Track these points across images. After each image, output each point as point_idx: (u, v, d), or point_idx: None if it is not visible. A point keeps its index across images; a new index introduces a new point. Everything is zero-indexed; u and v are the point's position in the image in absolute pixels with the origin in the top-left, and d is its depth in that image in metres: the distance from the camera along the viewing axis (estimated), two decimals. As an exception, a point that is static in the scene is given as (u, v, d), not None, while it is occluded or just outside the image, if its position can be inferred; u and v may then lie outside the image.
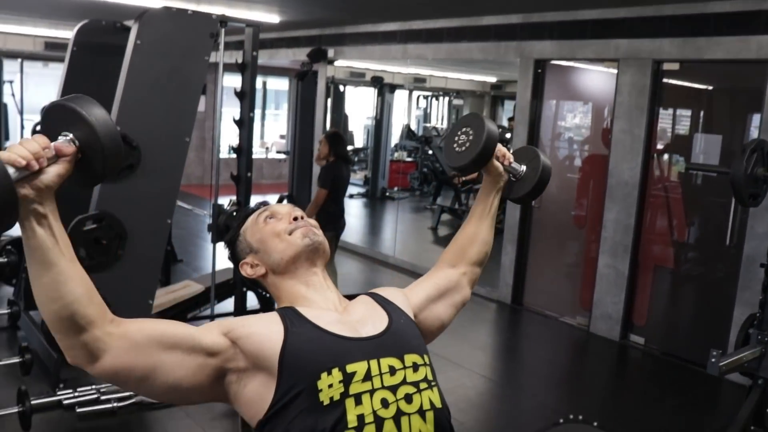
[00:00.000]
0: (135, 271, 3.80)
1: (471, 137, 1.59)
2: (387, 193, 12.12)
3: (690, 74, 5.34)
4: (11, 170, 1.02)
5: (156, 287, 4.02)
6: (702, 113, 5.49)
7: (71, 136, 1.11)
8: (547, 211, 6.13)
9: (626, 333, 5.47)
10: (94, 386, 3.78)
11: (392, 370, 1.26)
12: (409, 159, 13.41)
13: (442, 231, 9.76)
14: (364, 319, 1.36)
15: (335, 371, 1.22)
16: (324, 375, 1.21)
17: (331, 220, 5.42)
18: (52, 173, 1.08)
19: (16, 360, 3.48)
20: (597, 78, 5.98)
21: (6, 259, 3.55)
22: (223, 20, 4.24)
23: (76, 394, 3.71)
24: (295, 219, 1.46)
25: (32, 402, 3.35)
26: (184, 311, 4.67)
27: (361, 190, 12.58)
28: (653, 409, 4.34)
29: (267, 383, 1.24)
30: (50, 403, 3.63)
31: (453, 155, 1.63)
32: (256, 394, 1.25)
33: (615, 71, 5.44)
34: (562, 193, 6.14)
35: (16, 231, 4.96)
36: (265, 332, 1.28)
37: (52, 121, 1.13)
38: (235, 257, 1.52)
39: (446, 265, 1.64)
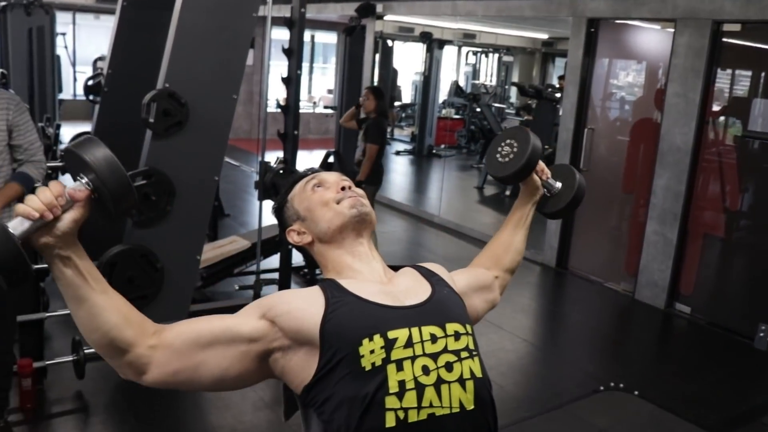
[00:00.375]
0: (183, 226, 3.86)
1: (515, 150, 1.66)
2: (433, 151, 12.04)
3: (752, 35, 5.14)
4: (27, 223, 1.09)
5: (203, 243, 4.09)
6: (763, 76, 5.28)
7: (86, 179, 1.15)
8: (595, 175, 6.02)
9: (672, 301, 5.39)
10: (143, 337, 3.89)
11: (433, 338, 1.27)
12: (456, 116, 13.28)
13: (488, 191, 9.70)
14: (408, 290, 1.37)
15: (377, 337, 1.23)
16: (365, 341, 1.22)
17: (377, 174, 5.45)
18: (68, 220, 1.13)
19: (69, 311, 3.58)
20: (652, 38, 5.80)
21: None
22: (272, -24, 4.20)
23: (126, 344, 3.83)
24: (343, 189, 1.45)
25: (85, 351, 3.47)
26: (230, 266, 4.76)
27: (408, 147, 12.53)
28: (696, 380, 4.30)
29: (311, 354, 1.25)
30: (101, 352, 3.76)
31: (496, 165, 1.70)
32: (301, 365, 1.26)
33: (671, 31, 5.26)
34: (612, 157, 6.02)
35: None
36: (305, 306, 1.29)
37: (70, 165, 1.18)
38: (282, 224, 1.52)
39: (481, 267, 1.70)
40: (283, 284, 4.80)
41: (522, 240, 1.75)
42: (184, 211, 3.85)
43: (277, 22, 4.78)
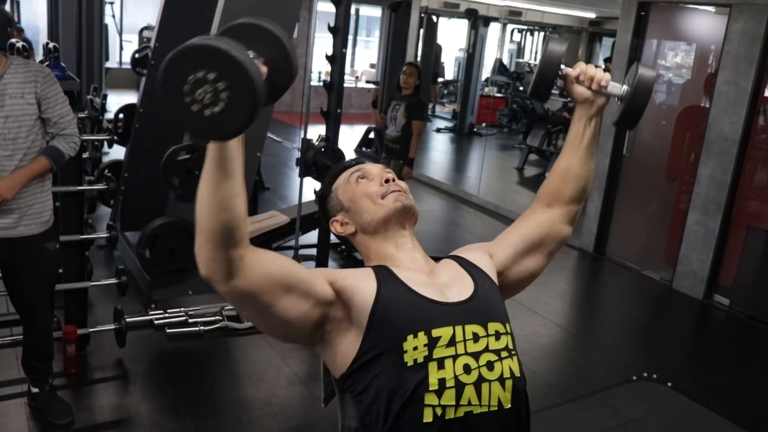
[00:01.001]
0: (224, 201, 3.92)
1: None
2: (475, 129, 11.97)
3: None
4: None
5: (243, 218, 4.15)
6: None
7: (262, 59, 1.18)
8: (637, 161, 5.94)
9: (710, 292, 5.32)
10: (182, 308, 3.99)
11: (476, 337, 1.29)
12: (498, 95, 13.16)
13: (529, 172, 9.62)
14: (450, 283, 1.38)
15: (421, 334, 1.25)
16: (410, 337, 1.24)
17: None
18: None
19: (113, 281, 3.68)
20: (704, 23, 5.65)
21: (106, 186, 3.73)
22: (320, -46, 4.20)
23: (166, 315, 3.93)
24: (387, 181, 1.46)
25: (126, 320, 3.57)
26: (269, 240, 4.82)
27: (449, 124, 12.46)
28: (732, 373, 4.25)
29: (355, 336, 1.28)
30: (143, 322, 3.87)
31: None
32: (344, 345, 1.29)
33: (725, 17, 5.13)
34: (656, 142, 5.92)
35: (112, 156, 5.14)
36: (361, 286, 1.30)
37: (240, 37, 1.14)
38: (325, 213, 1.54)
39: (542, 205, 1.58)
40: (321, 260, 4.85)
41: (582, 164, 1.54)
42: (226, 186, 3.91)
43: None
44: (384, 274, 1.34)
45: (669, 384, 3.94)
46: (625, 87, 1.47)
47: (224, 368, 3.72)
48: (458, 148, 11.70)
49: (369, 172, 1.49)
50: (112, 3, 11.58)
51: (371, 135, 8.89)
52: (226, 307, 4.07)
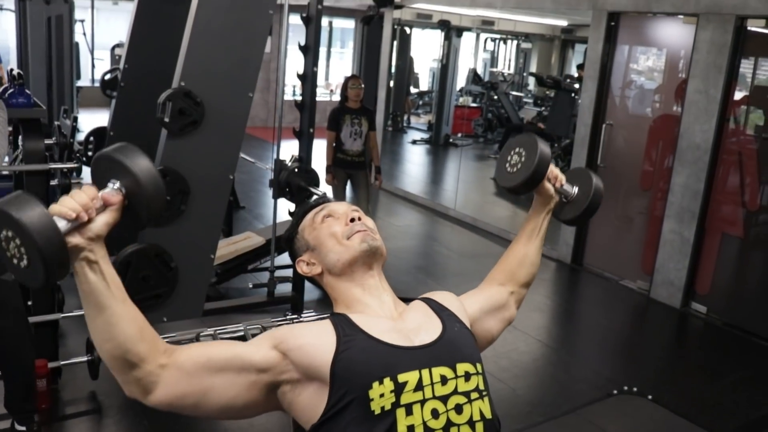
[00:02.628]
0: (197, 226, 3.87)
1: (523, 159, 1.58)
2: (450, 140, 11.98)
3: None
4: (62, 223, 1.08)
5: (218, 242, 4.10)
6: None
7: (119, 184, 1.16)
8: (612, 171, 5.96)
9: (688, 301, 5.35)
10: (157, 335, 3.92)
11: (444, 380, 1.26)
12: (474, 104, 13.19)
13: (505, 182, 9.62)
14: (419, 327, 1.36)
15: (387, 381, 1.22)
16: (376, 384, 1.22)
17: None
18: (101, 222, 1.14)
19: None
20: (674, 31, 5.70)
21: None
22: (289, -27, 4.17)
23: (141, 343, 3.86)
24: (352, 220, 1.44)
25: (99, 350, 3.50)
26: (244, 263, 4.77)
27: (425, 135, 12.46)
28: (712, 383, 4.26)
29: (320, 392, 1.25)
30: (116, 351, 3.79)
31: (505, 175, 1.63)
32: (310, 401, 1.26)
33: (694, 26, 5.17)
34: (630, 153, 5.95)
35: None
36: (317, 342, 1.28)
37: (101, 169, 1.18)
38: (292, 254, 1.52)
39: (495, 282, 1.66)
40: (297, 282, 4.80)
41: (536, 252, 1.69)
42: (199, 211, 3.85)
43: (295, 9, 4.76)
44: (343, 325, 1.32)
45: (650, 397, 3.93)
46: (575, 189, 1.68)
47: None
48: (434, 159, 11.69)
49: (335, 211, 1.47)
50: (83, 21, 11.46)
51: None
52: (202, 334, 4.00)
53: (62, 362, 3.50)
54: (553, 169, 1.63)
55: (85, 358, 3.47)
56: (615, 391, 3.98)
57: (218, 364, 1.24)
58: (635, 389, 4.00)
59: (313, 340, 1.29)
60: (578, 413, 3.76)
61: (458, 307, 1.47)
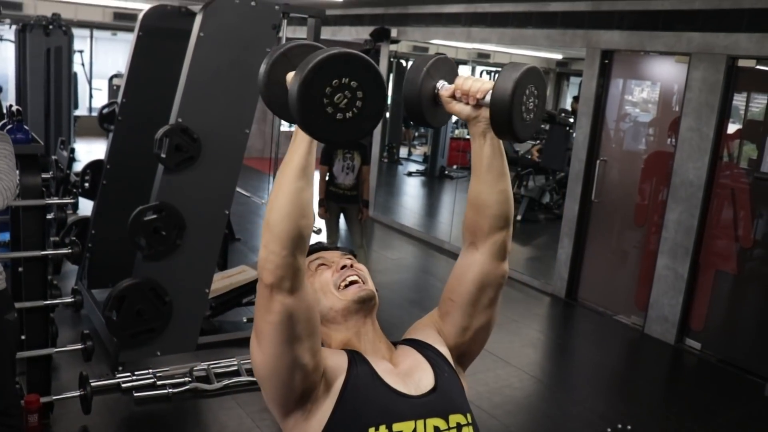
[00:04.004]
0: (192, 260, 3.89)
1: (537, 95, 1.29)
2: (446, 172, 12.03)
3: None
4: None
5: (212, 276, 4.11)
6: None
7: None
8: (606, 206, 6.00)
9: (682, 337, 5.35)
10: (151, 370, 3.91)
11: (436, 431, 1.28)
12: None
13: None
14: (412, 372, 1.37)
15: (382, 428, 1.24)
16: (372, 430, 1.24)
17: None
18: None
19: (78, 347, 3.60)
20: (667, 69, 5.78)
21: (71, 250, 3.69)
22: (286, 11, 4.23)
23: (134, 377, 3.85)
24: (343, 267, 1.45)
25: (92, 384, 3.48)
26: (239, 296, 4.77)
27: (420, 167, 12.51)
28: (705, 422, 4.25)
29: (321, 418, 1.27)
30: (109, 385, 3.78)
31: (523, 127, 1.29)
32: (312, 425, 1.28)
33: (686, 65, 5.25)
34: (624, 188, 5.99)
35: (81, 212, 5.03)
36: (335, 367, 1.31)
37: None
38: None
39: (466, 246, 1.44)
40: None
41: (489, 188, 1.36)
42: (194, 245, 3.88)
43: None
44: (355, 358, 1.34)
45: (643, 435, 3.92)
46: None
47: (193, 433, 3.64)
48: (429, 192, 11.73)
49: (328, 259, 1.49)
50: (81, 51, 11.56)
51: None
52: (195, 368, 4.00)
53: (54, 397, 3.48)
54: (463, 85, 1.31)
55: (77, 393, 3.46)
56: (609, 429, 3.97)
57: (317, 327, 1.28)
58: (629, 427, 3.98)
59: (332, 363, 1.31)
60: (572, 452, 3.75)
61: (436, 339, 1.47)
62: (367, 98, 1.11)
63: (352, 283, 1.42)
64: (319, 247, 1.54)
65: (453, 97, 1.33)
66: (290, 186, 1.17)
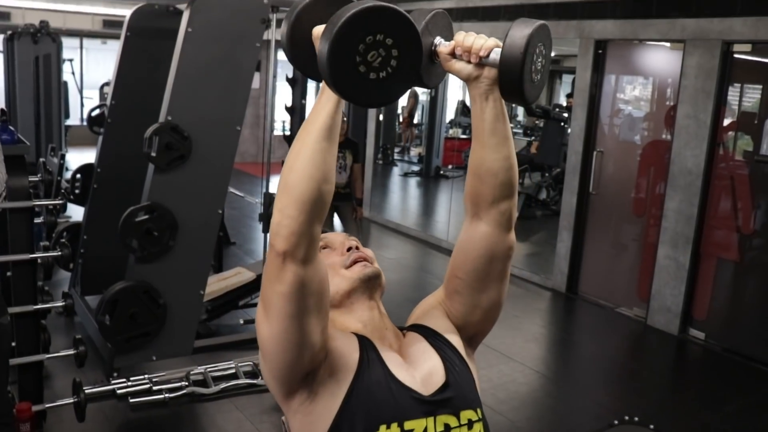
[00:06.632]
0: (186, 261, 3.81)
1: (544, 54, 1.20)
2: (441, 172, 11.97)
3: (764, 53, 5.07)
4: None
5: (207, 277, 4.03)
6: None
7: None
8: (605, 198, 5.94)
9: (685, 327, 5.28)
10: (146, 375, 3.83)
11: (447, 428, 1.24)
12: (463, 136, 13.22)
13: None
14: (422, 366, 1.31)
15: (394, 426, 1.20)
16: (383, 427, 1.19)
17: None
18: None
19: (71, 352, 3.52)
20: (662, 57, 5.73)
21: (61, 253, 3.60)
22: (275, 5, 4.16)
23: (129, 383, 3.76)
24: (349, 249, 1.39)
25: (86, 391, 3.40)
26: (235, 299, 4.69)
27: (415, 168, 12.46)
28: (713, 410, 4.18)
29: (329, 405, 1.21)
30: (104, 392, 3.69)
31: (532, 89, 1.21)
32: (318, 412, 1.22)
33: (681, 52, 5.19)
34: (622, 179, 5.93)
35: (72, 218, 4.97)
36: (345, 353, 1.24)
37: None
38: None
39: (469, 218, 1.36)
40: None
41: (492, 153, 1.25)
42: (187, 246, 3.80)
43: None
44: (367, 347, 1.27)
45: (651, 426, 3.83)
46: (498, 51, 1.18)
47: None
48: (425, 191, 11.67)
49: (332, 242, 1.43)
50: (71, 60, 11.48)
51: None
52: (192, 372, 3.92)
53: (47, 405, 3.39)
54: (464, 42, 1.19)
55: (71, 400, 3.37)
56: (616, 422, 3.88)
57: (326, 302, 1.22)
58: (636, 419, 3.90)
59: (343, 348, 1.25)
60: (579, 445, 3.68)
61: (448, 327, 1.39)
62: (402, 58, 1.03)
63: (357, 262, 1.37)
64: (323, 231, 1.48)
65: (452, 54, 1.21)
66: (315, 145, 1.09)
